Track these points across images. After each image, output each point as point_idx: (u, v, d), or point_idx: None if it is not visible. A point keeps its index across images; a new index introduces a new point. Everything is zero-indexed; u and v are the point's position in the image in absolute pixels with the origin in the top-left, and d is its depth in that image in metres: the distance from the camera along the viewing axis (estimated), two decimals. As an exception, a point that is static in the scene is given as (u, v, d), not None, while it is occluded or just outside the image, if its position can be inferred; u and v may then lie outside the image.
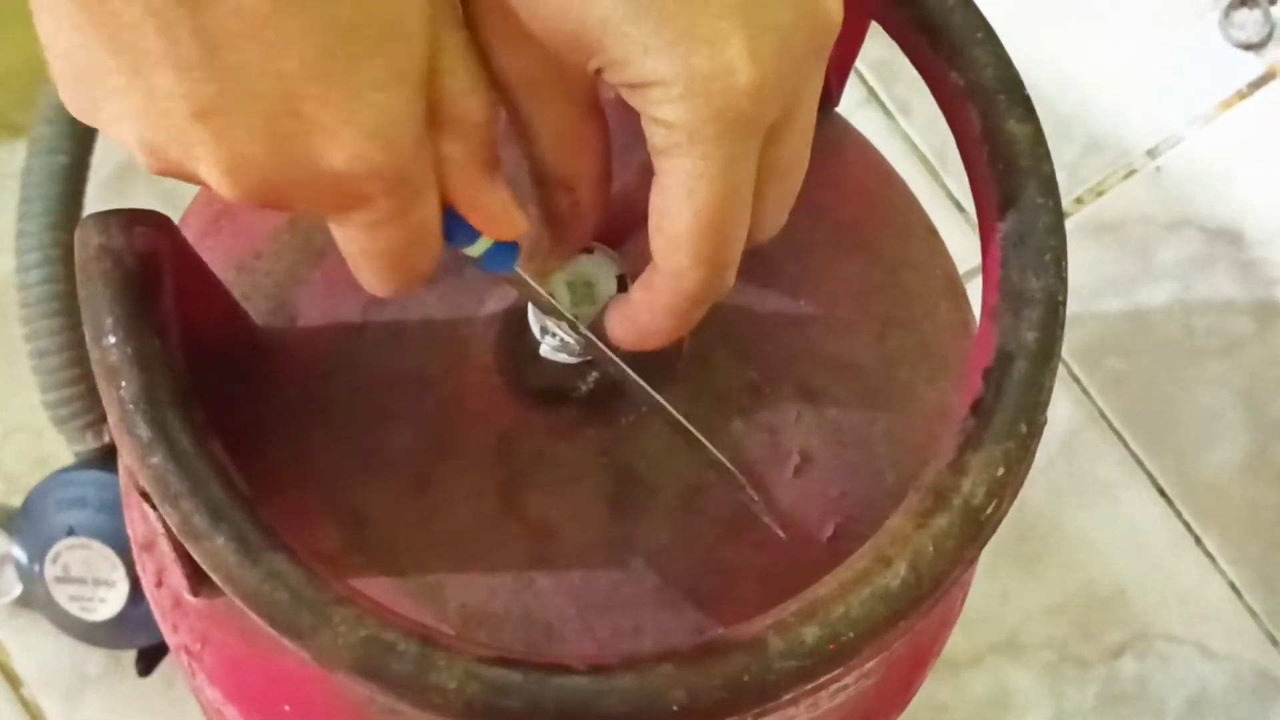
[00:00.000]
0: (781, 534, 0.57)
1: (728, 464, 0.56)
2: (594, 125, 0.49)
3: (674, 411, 0.55)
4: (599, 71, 0.46)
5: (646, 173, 0.49)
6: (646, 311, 0.50)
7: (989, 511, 0.50)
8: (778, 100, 0.46)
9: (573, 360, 0.55)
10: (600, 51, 0.45)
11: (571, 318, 0.54)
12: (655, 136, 0.46)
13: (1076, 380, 1.30)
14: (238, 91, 0.41)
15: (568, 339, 0.54)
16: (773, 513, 0.58)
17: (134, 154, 0.44)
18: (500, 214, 0.48)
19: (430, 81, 0.45)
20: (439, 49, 0.45)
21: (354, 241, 0.48)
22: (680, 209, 0.46)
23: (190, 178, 0.44)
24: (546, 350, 0.55)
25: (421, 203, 0.46)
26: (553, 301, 0.53)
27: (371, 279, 0.49)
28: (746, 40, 0.44)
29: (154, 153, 0.43)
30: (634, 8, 0.43)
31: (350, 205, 0.45)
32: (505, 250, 0.50)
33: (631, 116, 0.46)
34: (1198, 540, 1.29)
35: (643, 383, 0.55)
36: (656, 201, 0.47)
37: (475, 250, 0.49)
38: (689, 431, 0.55)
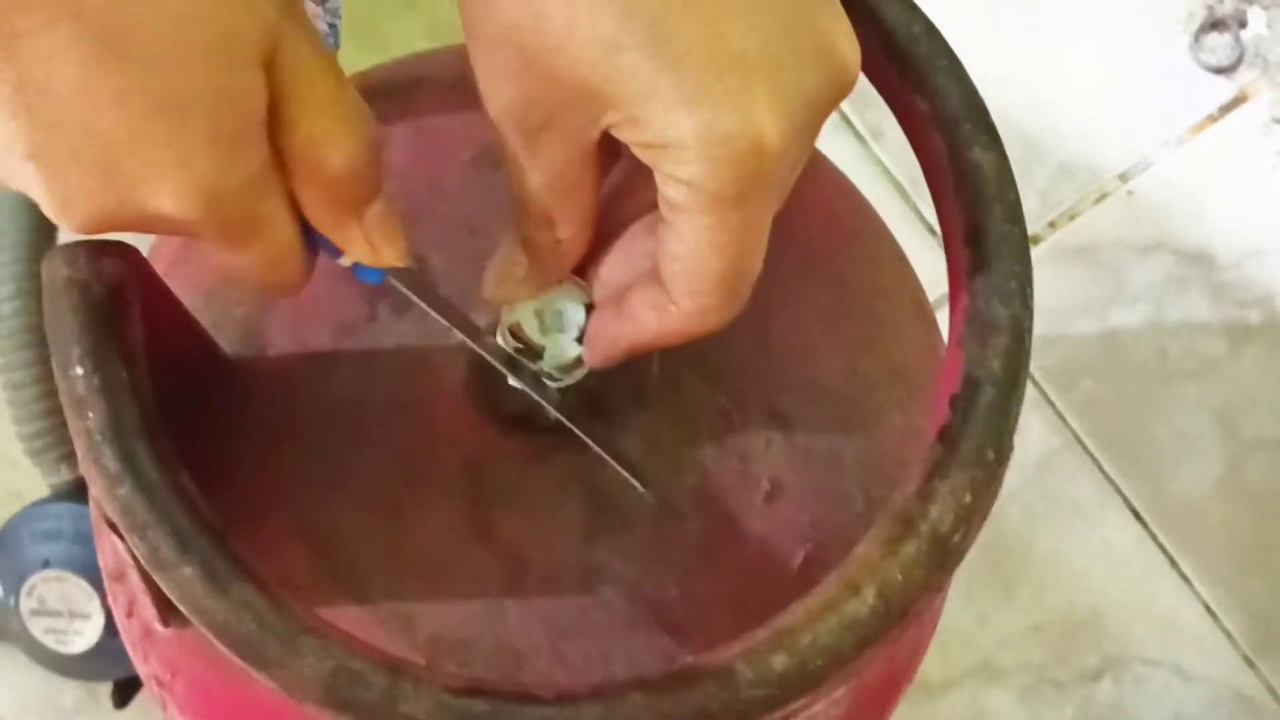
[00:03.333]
0: (650, 499, 0.57)
1: (625, 472, 0.56)
2: (590, 171, 0.49)
3: (561, 415, 0.55)
4: (611, 126, 0.45)
5: (611, 196, 0.49)
6: (654, 335, 0.50)
7: (957, 539, 0.50)
8: (799, 158, 0.46)
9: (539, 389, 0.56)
10: (619, 107, 0.44)
11: (524, 361, 0.54)
12: (674, 193, 0.45)
13: (1050, 403, 1.31)
14: (61, 142, 0.43)
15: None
16: (746, 547, 0.57)
17: None
18: (364, 248, 0.49)
19: (281, 131, 0.46)
20: (286, 99, 0.46)
21: (211, 260, 0.49)
22: (706, 263, 0.46)
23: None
24: (514, 379, 0.55)
25: (263, 237, 0.47)
26: (432, 312, 0.53)
27: (243, 289, 0.50)
28: (771, 102, 0.44)
29: (3, 179, 0.45)
30: (658, 68, 0.43)
31: (192, 239, 0.47)
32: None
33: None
34: (1173, 562, 1.29)
35: (544, 400, 0.55)
36: (676, 248, 0.47)
37: (345, 261, 0.50)
38: (584, 439, 0.55)
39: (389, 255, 0.50)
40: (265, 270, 0.48)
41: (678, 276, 0.47)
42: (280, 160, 0.47)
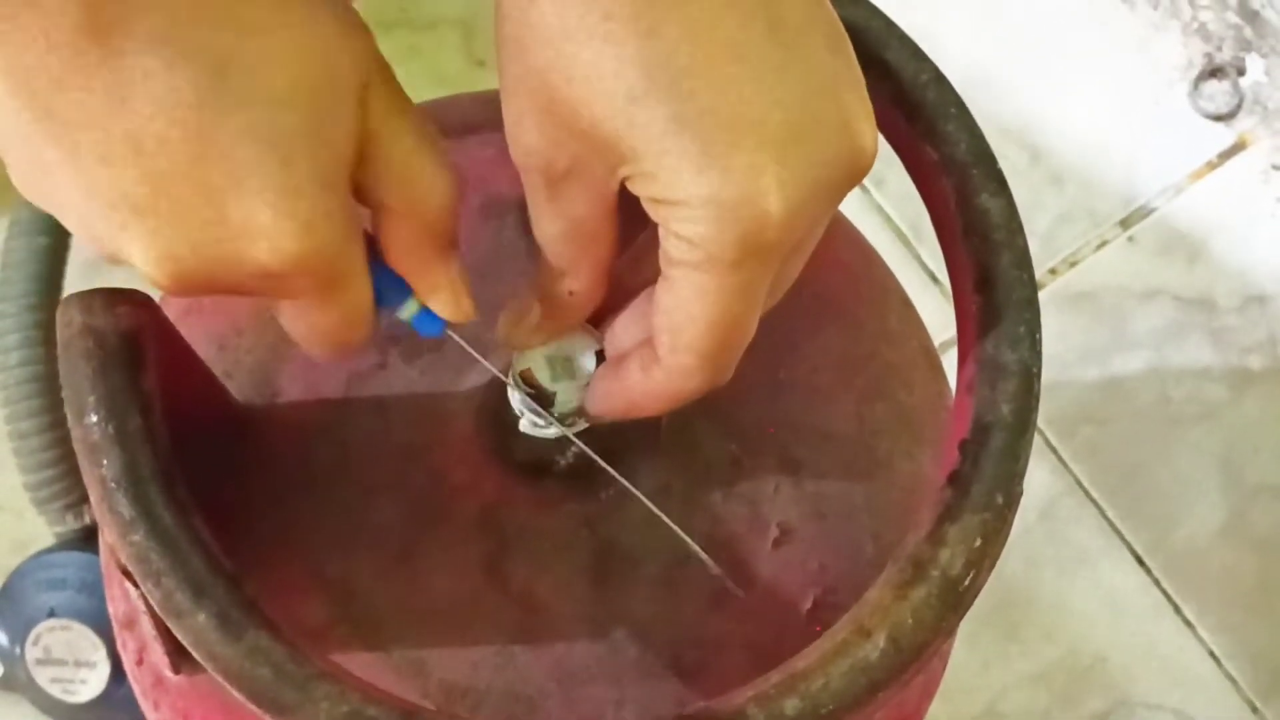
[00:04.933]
0: (714, 567, 0.57)
1: (698, 549, 0.56)
2: (607, 224, 0.49)
3: (643, 497, 0.55)
4: (626, 179, 0.46)
5: (635, 254, 0.50)
6: (640, 395, 0.50)
7: (967, 582, 0.50)
8: (802, 230, 0.46)
9: (551, 435, 0.56)
10: (634, 161, 0.45)
11: (539, 408, 0.54)
12: (674, 248, 0.45)
13: (1053, 449, 1.31)
14: (166, 193, 0.43)
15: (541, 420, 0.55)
16: (754, 591, 0.57)
17: (80, 238, 0.45)
18: (448, 296, 0.50)
19: (372, 169, 0.46)
20: (378, 141, 0.46)
21: (287, 323, 0.49)
22: (692, 319, 0.46)
23: (128, 266, 0.45)
24: (526, 425, 0.55)
25: (349, 288, 0.47)
26: (491, 368, 0.54)
27: (309, 350, 0.50)
28: (781, 173, 0.44)
29: (95, 241, 0.45)
30: (674, 126, 0.43)
31: (278, 296, 0.47)
32: (435, 314, 0.51)
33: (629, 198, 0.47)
34: (1177, 608, 1.29)
35: (611, 469, 0.55)
36: (666, 302, 0.47)
37: (405, 313, 0.50)
38: (660, 514, 0.55)
39: (467, 305, 0.50)
40: (342, 327, 0.48)
41: (663, 330, 0.48)
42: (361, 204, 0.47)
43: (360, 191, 0.47)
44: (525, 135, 0.47)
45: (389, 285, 0.49)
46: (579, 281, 0.50)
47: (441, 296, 0.50)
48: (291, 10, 0.45)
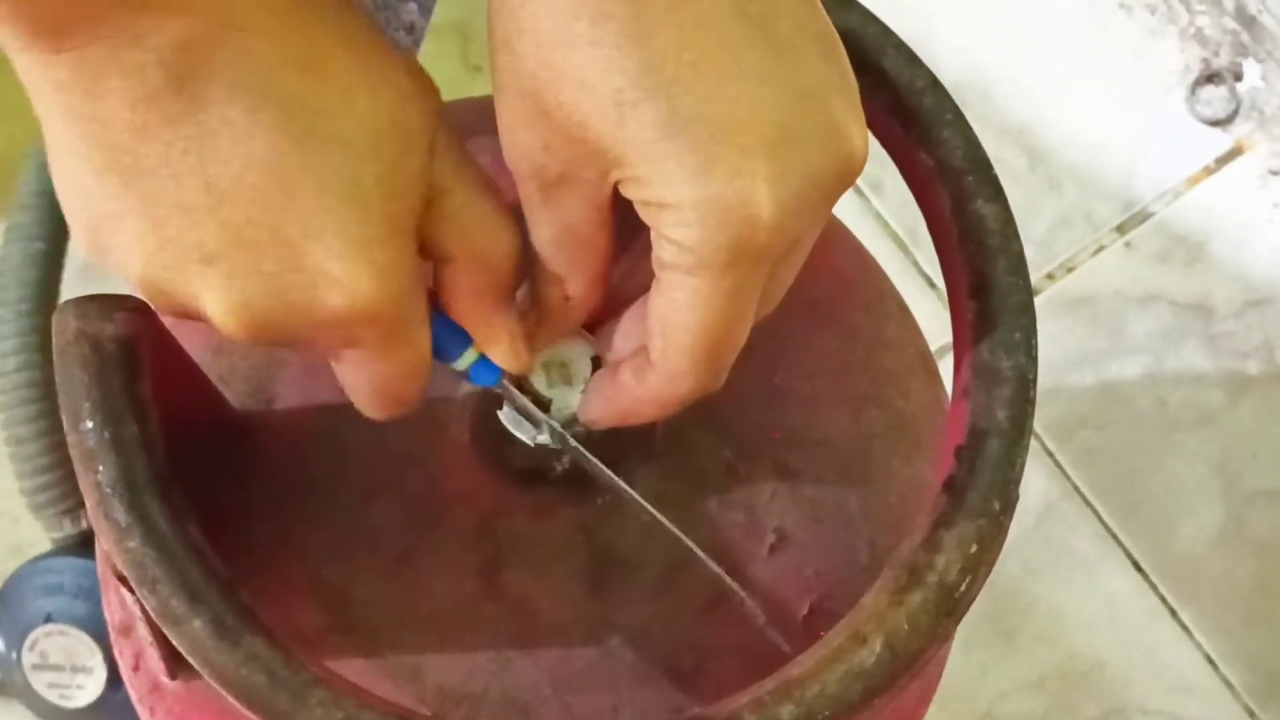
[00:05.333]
0: (761, 617, 0.57)
1: (706, 558, 0.56)
2: (601, 230, 0.49)
3: (650, 507, 0.55)
4: (619, 183, 0.46)
5: (630, 260, 0.50)
6: (634, 400, 0.51)
7: (963, 588, 0.50)
8: (793, 235, 0.46)
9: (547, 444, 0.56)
10: (625, 165, 0.45)
11: (556, 425, 0.54)
12: (665, 252, 0.46)
13: (1050, 454, 1.31)
14: (243, 241, 0.44)
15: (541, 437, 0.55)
16: (752, 597, 0.57)
17: (135, 288, 0.46)
18: (507, 346, 0.50)
19: (439, 219, 0.47)
20: (444, 191, 0.47)
21: (349, 375, 0.49)
22: (684, 323, 0.47)
23: (193, 315, 0.46)
24: (524, 436, 0.55)
25: (412, 339, 0.48)
26: (534, 409, 0.54)
27: (366, 406, 0.51)
28: (771, 176, 0.44)
29: (159, 291, 0.45)
30: (664, 130, 0.43)
31: (344, 345, 0.47)
32: (491, 365, 0.51)
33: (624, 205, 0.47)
34: (1174, 613, 1.29)
35: (621, 482, 0.55)
36: (659, 306, 0.47)
37: (462, 364, 0.51)
38: (667, 525, 0.55)
39: (525, 356, 0.51)
40: (401, 378, 0.49)
41: (656, 334, 0.48)
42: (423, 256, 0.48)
43: (423, 244, 0.48)
44: (518, 140, 0.47)
45: (446, 338, 0.50)
46: (574, 287, 0.50)
47: (501, 347, 0.50)
48: (369, 64, 0.46)
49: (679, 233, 0.45)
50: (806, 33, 0.46)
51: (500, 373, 0.51)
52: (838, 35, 0.47)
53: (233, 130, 0.43)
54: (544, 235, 0.49)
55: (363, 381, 0.49)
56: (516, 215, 0.49)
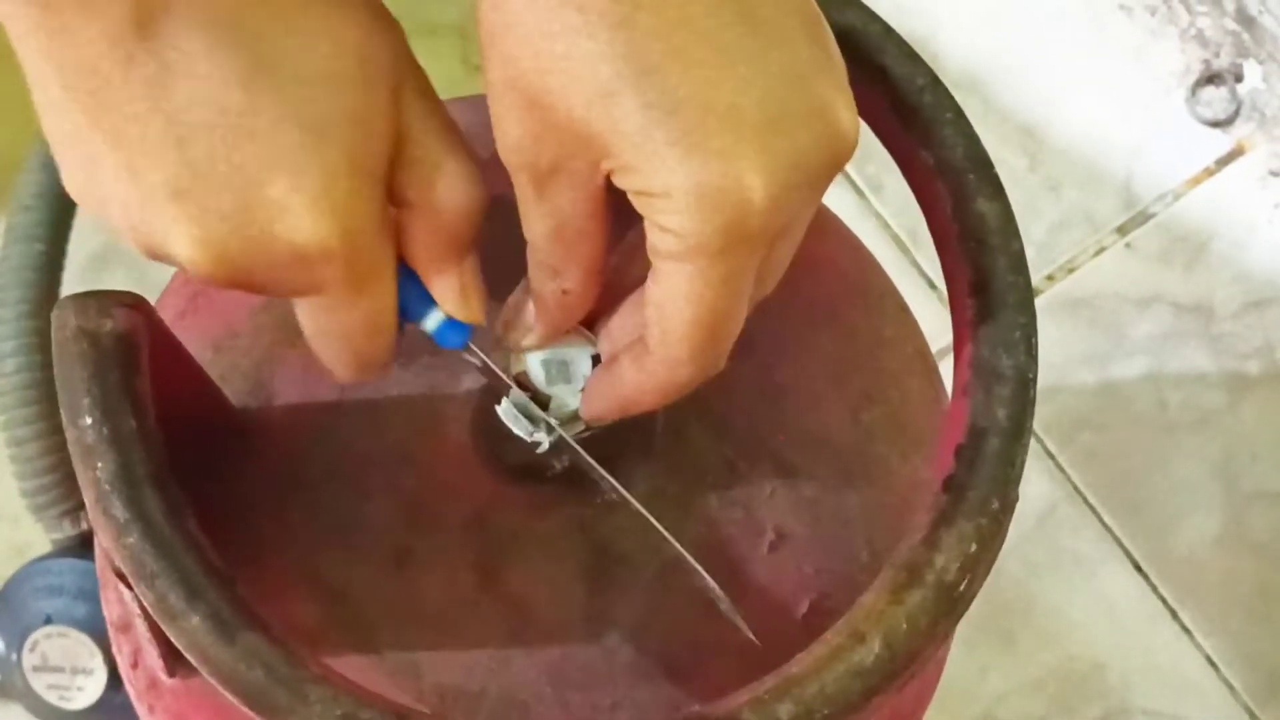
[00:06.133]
0: (745, 628, 0.56)
1: (694, 563, 0.55)
2: (595, 221, 0.49)
3: (635, 502, 0.55)
4: (610, 173, 0.46)
5: (625, 252, 0.49)
6: (634, 389, 0.50)
7: (962, 587, 0.50)
8: (785, 218, 0.46)
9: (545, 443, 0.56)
10: (615, 155, 0.45)
11: (553, 422, 0.54)
12: (659, 240, 0.46)
13: (1050, 455, 1.31)
14: (207, 177, 0.44)
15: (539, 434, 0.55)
16: (736, 607, 0.57)
17: (124, 237, 0.46)
18: (458, 296, 0.50)
19: (402, 165, 0.47)
20: (408, 137, 0.47)
21: (311, 323, 0.50)
22: (680, 310, 0.47)
23: (168, 258, 0.46)
24: (522, 434, 0.55)
25: (376, 286, 0.48)
26: (509, 381, 0.54)
27: (332, 361, 0.51)
28: (761, 160, 0.44)
29: (137, 233, 0.46)
30: (651, 117, 0.43)
31: (308, 289, 0.47)
32: (459, 326, 0.51)
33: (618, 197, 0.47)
34: (1174, 614, 1.29)
35: (610, 477, 0.55)
36: (655, 294, 0.47)
37: (429, 324, 0.51)
38: (653, 523, 0.55)
39: (477, 308, 0.51)
40: (367, 334, 0.49)
41: (653, 322, 0.48)
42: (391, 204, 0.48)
43: (390, 192, 0.48)
44: (509, 132, 0.47)
45: (415, 297, 0.50)
46: (571, 280, 0.50)
47: (453, 297, 0.50)
48: (332, 1, 0.46)
49: (671, 220, 0.45)
50: (789, 14, 0.46)
51: (468, 336, 0.51)
52: (822, 16, 0.47)
53: (193, 67, 0.44)
54: (539, 229, 0.49)
55: (326, 330, 0.49)
56: (486, 172, 0.49)
